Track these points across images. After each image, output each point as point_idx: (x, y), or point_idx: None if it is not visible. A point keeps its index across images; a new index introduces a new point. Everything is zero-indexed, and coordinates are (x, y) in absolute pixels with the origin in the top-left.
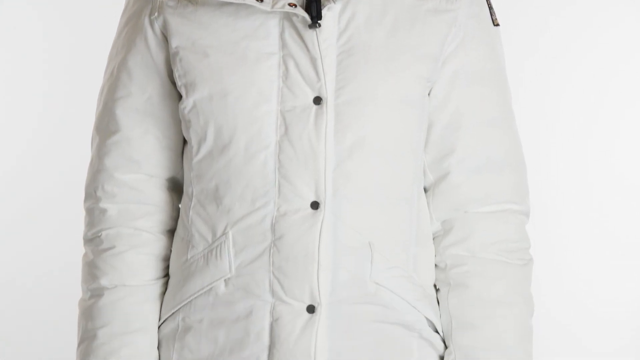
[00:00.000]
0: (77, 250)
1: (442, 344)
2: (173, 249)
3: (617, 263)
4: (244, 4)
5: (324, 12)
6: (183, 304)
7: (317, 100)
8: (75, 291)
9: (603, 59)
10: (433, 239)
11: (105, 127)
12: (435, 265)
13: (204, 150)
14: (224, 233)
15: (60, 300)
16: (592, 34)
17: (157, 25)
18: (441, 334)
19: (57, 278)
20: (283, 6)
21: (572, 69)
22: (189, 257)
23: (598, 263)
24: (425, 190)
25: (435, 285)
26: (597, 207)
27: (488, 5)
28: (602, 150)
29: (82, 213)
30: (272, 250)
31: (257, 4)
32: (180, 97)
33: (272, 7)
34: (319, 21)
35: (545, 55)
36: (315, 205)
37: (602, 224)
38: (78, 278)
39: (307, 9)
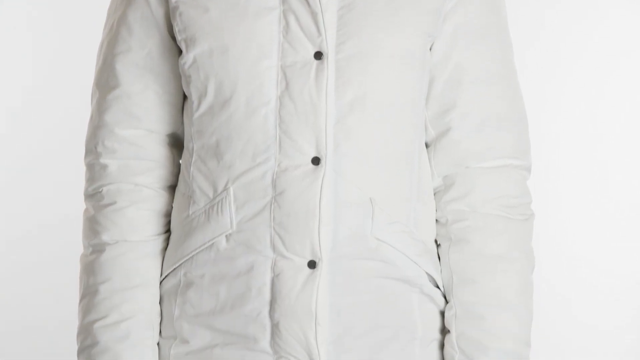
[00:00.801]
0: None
1: (443, 299)
2: (174, 205)
3: (620, 240)
4: None
5: None
6: (184, 259)
7: (318, 56)
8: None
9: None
10: (434, 194)
11: (105, 82)
12: (436, 220)
13: (204, 105)
14: (225, 189)
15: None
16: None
17: None
18: (442, 289)
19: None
20: None
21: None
22: (190, 212)
23: (600, 236)
24: (427, 145)
25: (436, 241)
26: (601, 181)
27: None
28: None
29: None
30: (273, 206)
31: None
32: (180, 52)
33: None
34: None
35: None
36: (316, 160)
37: (604, 197)
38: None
39: None
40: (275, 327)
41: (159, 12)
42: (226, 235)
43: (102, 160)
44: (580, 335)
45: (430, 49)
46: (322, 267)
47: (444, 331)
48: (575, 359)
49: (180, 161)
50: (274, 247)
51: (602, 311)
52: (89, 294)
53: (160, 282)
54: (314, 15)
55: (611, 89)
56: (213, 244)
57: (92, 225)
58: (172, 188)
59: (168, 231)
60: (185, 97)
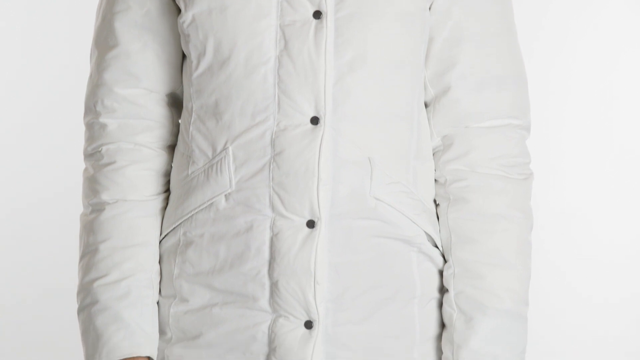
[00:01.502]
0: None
1: (442, 259)
2: (173, 165)
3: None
4: None
5: None
6: (184, 218)
7: (317, 15)
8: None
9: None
10: (433, 154)
11: (104, 41)
12: (435, 180)
13: (203, 65)
14: (224, 148)
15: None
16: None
17: None
18: (440, 248)
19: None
20: None
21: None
22: (189, 172)
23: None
24: (426, 105)
25: (435, 201)
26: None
27: None
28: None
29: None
30: (272, 166)
31: None
32: (179, 11)
33: None
34: None
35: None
36: (315, 120)
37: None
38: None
39: None
40: (274, 286)
41: None
42: (225, 195)
43: (102, 120)
44: (577, 307)
45: (429, 9)
46: (320, 226)
47: (443, 290)
48: (571, 331)
49: (180, 121)
50: (273, 207)
51: (602, 287)
52: (89, 252)
53: (160, 242)
54: None
55: (613, 45)
56: (212, 203)
57: (92, 185)
58: (172, 148)
59: (167, 191)
60: (184, 57)
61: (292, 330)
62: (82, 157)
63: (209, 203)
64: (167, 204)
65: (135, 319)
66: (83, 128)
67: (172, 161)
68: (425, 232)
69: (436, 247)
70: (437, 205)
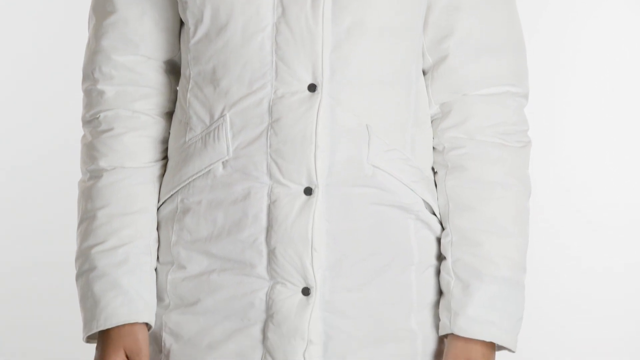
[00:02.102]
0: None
1: (439, 226)
2: (171, 132)
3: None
4: None
5: None
6: (181, 185)
7: None
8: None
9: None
10: (431, 122)
11: (102, 7)
12: (433, 148)
13: (200, 31)
14: (222, 115)
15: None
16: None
17: None
18: (438, 216)
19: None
20: None
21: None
22: (187, 139)
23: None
24: (424, 73)
25: (432, 168)
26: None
27: None
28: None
29: None
30: (269, 133)
31: None
32: None
33: None
34: None
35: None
36: (312, 87)
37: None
38: None
39: None
40: (271, 253)
41: None
42: (223, 162)
43: (100, 87)
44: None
45: None
46: (318, 193)
47: (440, 257)
48: (572, 300)
49: (177, 88)
50: (270, 174)
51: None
52: (87, 219)
53: (158, 209)
54: None
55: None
56: (210, 170)
57: (90, 152)
58: (169, 115)
59: (165, 158)
60: (182, 24)
61: (289, 297)
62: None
63: (206, 170)
64: (164, 171)
65: (133, 286)
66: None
67: (169, 128)
68: (423, 199)
69: (434, 214)
70: (435, 172)
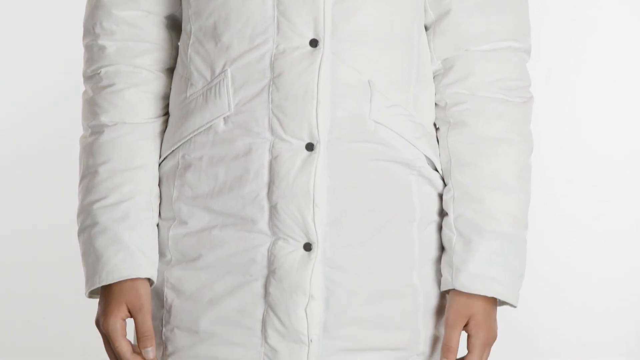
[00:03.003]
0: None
1: (441, 182)
2: (172, 87)
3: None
4: None
5: None
6: (183, 141)
7: None
8: None
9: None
10: (433, 77)
11: None
12: (435, 104)
13: None
14: (223, 71)
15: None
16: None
17: None
18: (440, 172)
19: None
20: None
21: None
22: (188, 95)
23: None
24: (426, 28)
25: (435, 124)
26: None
27: None
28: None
29: None
30: (270, 88)
31: None
32: None
33: None
34: None
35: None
36: (314, 43)
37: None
38: None
39: None
40: (273, 209)
41: None
42: (224, 118)
43: (101, 42)
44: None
45: None
46: (319, 149)
47: (442, 214)
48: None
49: (179, 43)
50: (272, 130)
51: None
52: (89, 174)
53: (159, 164)
54: None
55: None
56: (211, 126)
57: (91, 107)
58: (170, 71)
59: (166, 114)
60: None
61: (291, 252)
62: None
63: (207, 126)
64: (166, 127)
65: (134, 241)
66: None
67: (170, 84)
68: (425, 155)
69: (436, 170)
70: (437, 129)
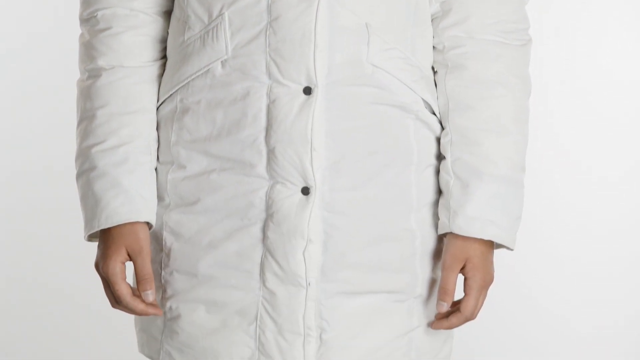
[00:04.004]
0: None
1: (439, 126)
2: (170, 31)
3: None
4: None
5: None
6: (180, 85)
7: None
8: None
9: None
10: (432, 20)
11: None
12: (434, 47)
13: None
14: (220, 14)
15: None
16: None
17: None
18: (438, 115)
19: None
20: None
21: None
22: (185, 38)
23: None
24: None
25: (433, 68)
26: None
27: None
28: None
29: None
30: (268, 32)
31: None
32: None
33: None
34: None
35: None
36: None
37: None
38: None
39: None
40: (271, 153)
41: None
42: (222, 61)
43: None
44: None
45: None
46: (317, 93)
47: (440, 157)
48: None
49: None
50: (269, 74)
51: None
52: (87, 118)
53: (157, 108)
54: None
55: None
56: (209, 69)
57: (88, 51)
58: (168, 14)
59: (164, 57)
60: None
61: (289, 196)
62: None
63: (205, 69)
64: (164, 70)
65: (133, 185)
66: None
67: (168, 27)
68: (422, 99)
69: (434, 114)
70: (435, 72)
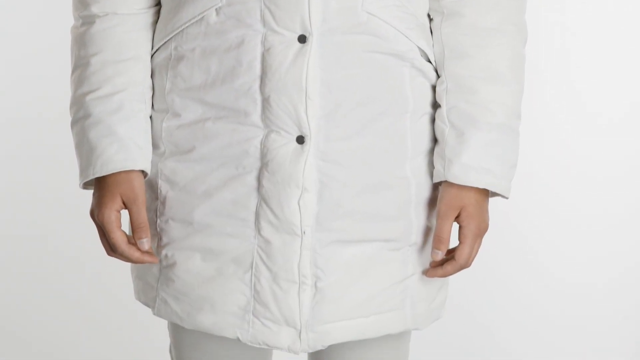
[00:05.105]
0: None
1: (435, 74)
2: None
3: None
4: None
5: None
6: (175, 32)
7: None
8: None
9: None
10: None
11: None
12: None
13: None
14: None
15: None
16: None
17: None
18: (434, 63)
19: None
20: None
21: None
22: None
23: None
24: None
25: (429, 15)
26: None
27: None
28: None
29: None
30: None
31: None
32: None
33: None
34: None
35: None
36: None
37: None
38: None
39: None
40: (265, 101)
41: None
42: (216, 9)
43: None
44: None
45: None
46: (312, 41)
47: (435, 105)
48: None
49: None
50: (264, 22)
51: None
52: (81, 66)
53: (152, 56)
54: None
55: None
56: (203, 17)
57: None
58: None
59: (158, 4)
60: None
61: (284, 145)
62: None
63: (199, 17)
64: (158, 17)
65: (128, 133)
66: None
67: None
68: (418, 46)
69: (429, 62)
70: (430, 19)
